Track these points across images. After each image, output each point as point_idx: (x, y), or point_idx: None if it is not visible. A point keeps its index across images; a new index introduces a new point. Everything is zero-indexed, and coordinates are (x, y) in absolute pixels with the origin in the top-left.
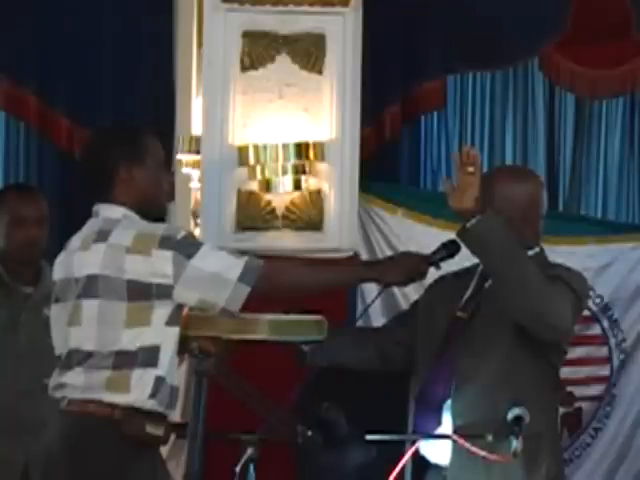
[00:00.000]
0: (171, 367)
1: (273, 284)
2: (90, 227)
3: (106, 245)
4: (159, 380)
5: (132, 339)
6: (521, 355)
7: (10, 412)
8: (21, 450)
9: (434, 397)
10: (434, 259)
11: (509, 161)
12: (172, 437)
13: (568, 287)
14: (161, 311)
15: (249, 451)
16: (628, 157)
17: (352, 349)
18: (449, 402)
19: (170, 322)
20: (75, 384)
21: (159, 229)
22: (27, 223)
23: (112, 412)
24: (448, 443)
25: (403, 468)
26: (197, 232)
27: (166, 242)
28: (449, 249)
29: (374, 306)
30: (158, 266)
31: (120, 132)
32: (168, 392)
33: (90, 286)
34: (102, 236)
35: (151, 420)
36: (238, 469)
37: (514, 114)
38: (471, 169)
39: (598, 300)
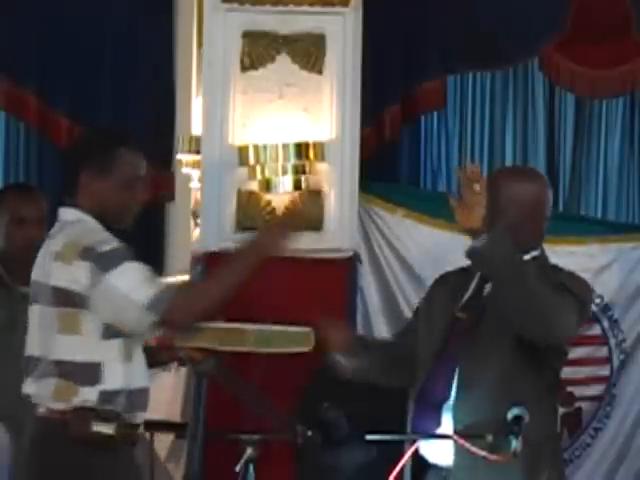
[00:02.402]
0: (126, 376)
1: (177, 320)
2: (52, 229)
3: (45, 249)
4: (107, 393)
5: (68, 349)
6: (524, 359)
7: (9, 412)
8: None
9: (434, 397)
10: None
11: (509, 161)
12: (172, 437)
13: (573, 297)
14: (90, 324)
15: (249, 451)
16: (628, 157)
17: (387, 368)
18: (450, 403)
19: (106, 335)
20: (32, 391)
21: (86, 239)
22: (27, 223)
23: (63, 415)
24: (448, 443)
25: (403, 468)
26: (197, 232)
27: (87, 253)
28: None
29: (374, 306)
30: (77, 275)
31: (96, 138)
32: (125, 397)
33: (33, 291)
34: (48, 240)
35: (101, 419)
36: (238, 469)
37: (514, 114)
38: (477, 187)
39: (598, 300)
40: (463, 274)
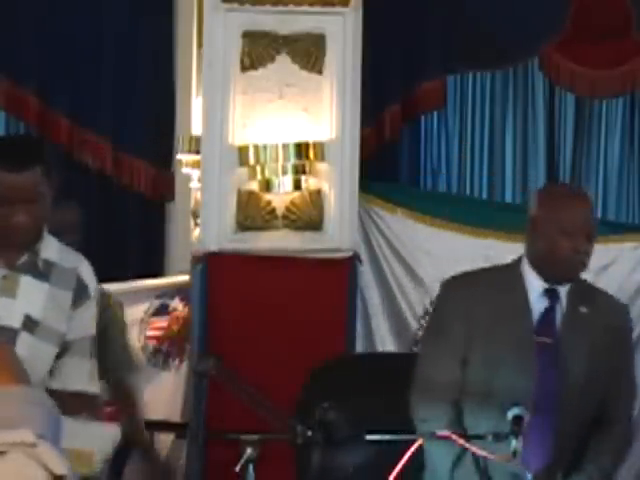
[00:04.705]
0: None
1: None
2: None
3: None
4: None
5: None
6: None
7: None
8: None
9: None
10: None
11: (509, 161)
12: (172, 437)
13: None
14: None
15: (249, 451)
16: (628, 157)
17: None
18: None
19: None
20: None
21: None
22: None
23: None
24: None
25: (403, 468)
26: (197, 232)
27: None
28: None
29: (374, 306)
30: None
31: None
32: None
33: None
34: None
35: None
36: (238, 469)
37: (514, 114)
38: None
39: None
40: (502, 283)
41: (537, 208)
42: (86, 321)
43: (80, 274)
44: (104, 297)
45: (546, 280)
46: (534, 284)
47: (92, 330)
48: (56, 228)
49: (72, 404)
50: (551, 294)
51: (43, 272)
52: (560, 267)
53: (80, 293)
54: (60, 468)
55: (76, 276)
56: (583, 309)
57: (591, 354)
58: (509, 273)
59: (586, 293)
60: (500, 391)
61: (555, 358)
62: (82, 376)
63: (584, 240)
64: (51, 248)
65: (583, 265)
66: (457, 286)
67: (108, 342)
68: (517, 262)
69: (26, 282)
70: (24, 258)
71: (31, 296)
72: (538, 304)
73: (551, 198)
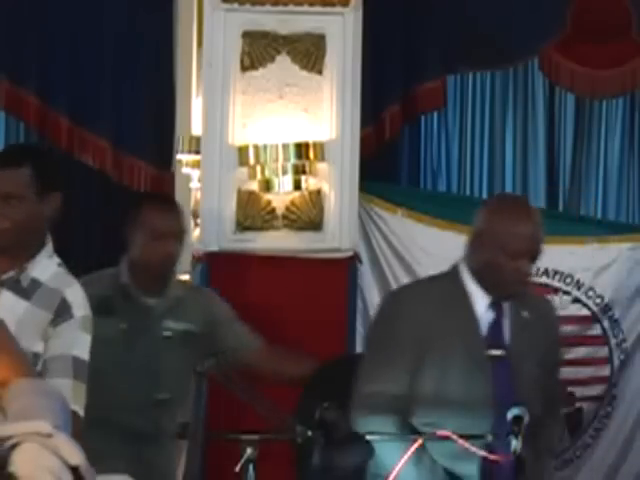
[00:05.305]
0: None
1: None
2: None
3: None
4: None
5: None
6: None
7: (124, 426)
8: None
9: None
10: None
11: (509, 161)
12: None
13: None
14: None
15: (249, 451)
16: (628, 157)
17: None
18: None
19: None
20: None
21: None
22: (166, 238)
23: None
24: None
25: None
26: (197, 232)
27: None
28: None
29: (374, 306)
30: None
31: None
32: None
33: None
34: None
35: None
36: (238, 469)
37: (514, 114)
38: None
39: (598, 300)
40: (439, 295)
41: (483, 222)
42: (67, 340)
43: (65, 295)
44: (201, 294)
45: (487, 292)
46: (479, 297)
47: (76, 351)
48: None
49: None
50: (496, 306)
51: (27, 290)
52: (501, 285)
53: (62, 312)
54: (75, 458)
55: (60, 297)
56: (525, 314)
57: (538, 355)
58: (452, 285)
59: (522, 296)
60: (455, 403)
61: (508, 369)
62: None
63: (527, 262)
64: (43, 268)
65: (524, 285)
66: (407, 301)
67: (220, 326)
68: (456, 271)
69: (6, 298)
70: (11, 273)
71: (6, 313)
72: (485, 316)
73: (498, 217)
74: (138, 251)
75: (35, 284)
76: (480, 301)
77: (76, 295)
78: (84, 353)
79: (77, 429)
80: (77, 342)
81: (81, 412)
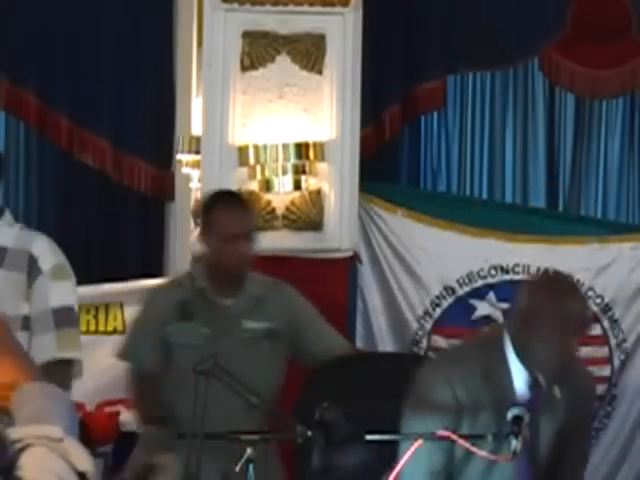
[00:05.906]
0: None
1: None
2: None
3: None
4: None
5: None
6: None
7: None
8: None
9: None
10: None
11: (509, 161)
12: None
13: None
14: None
15: (249, 451)
16: (628, 157)
17: None
18: None
19: None
20: None
21: None
22: (238, 239)
23: None
24: None
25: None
26: (197, 232)
27: None
28: None
29: (374, 306)
30: None
31: None
32: None
33: None
34: None
35: None
36: (238, 469)
37: (514, 114)
38: None
39: (598, 300)
40: (481, 369)
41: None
42: (42, 295)
43: (31, 251)
44: (281, 291)
45: (525, 368)
46: (518, 372)
47: (53, 302)
48: None
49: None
50: (534, 383)
51: None
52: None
53: (32, 271)
54: (84, 464)
55: (27, 254)
56: (556, 392)
57: (555, 436)
58: (495, 357)
59: (562, 371)
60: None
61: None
62: (48, 347)
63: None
64: (6, 235)
65: (566, 365)
66: (448, 371)
67: (305, 324)
68: (500, 342)
69: None
70: None
71: None
72: (521, 394)
73: (555, 295)
74: (212, 254)
75: (2, 251)
76: (519, 377)
77: (41, 248)
78: (63, 299)
79: (67, 376)
80: (52, 293)
81: (71, 355)
